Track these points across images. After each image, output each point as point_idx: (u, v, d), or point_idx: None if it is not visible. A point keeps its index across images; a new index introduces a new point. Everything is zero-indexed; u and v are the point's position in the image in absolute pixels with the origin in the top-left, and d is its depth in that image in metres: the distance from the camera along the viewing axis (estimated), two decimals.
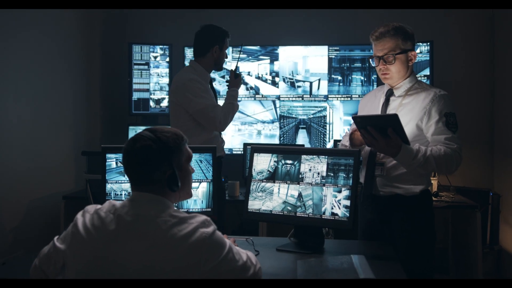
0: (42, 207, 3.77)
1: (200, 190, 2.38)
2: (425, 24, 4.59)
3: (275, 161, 2.37)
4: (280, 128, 4.60)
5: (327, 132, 4.53)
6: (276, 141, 4.58)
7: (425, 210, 2.45)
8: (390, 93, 2.53)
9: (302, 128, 4.60)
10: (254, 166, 2.41)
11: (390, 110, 2.47)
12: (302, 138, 4.58)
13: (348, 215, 2.18)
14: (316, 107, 4.56)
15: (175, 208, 1.62)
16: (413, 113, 2.40)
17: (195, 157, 2.40)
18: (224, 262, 1.58)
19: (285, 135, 4.60)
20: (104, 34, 4.69)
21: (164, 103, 4.68)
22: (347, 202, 2.20)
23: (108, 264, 1.51)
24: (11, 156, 3.44)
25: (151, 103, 4.67)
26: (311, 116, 4.57)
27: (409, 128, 2.37)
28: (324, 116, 4.55)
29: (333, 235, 3.43)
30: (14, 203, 3.50)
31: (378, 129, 2.19)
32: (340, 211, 2.20)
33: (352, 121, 2.43)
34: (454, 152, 2.29)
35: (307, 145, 4.51)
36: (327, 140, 4.52)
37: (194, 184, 2.37)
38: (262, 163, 2.39)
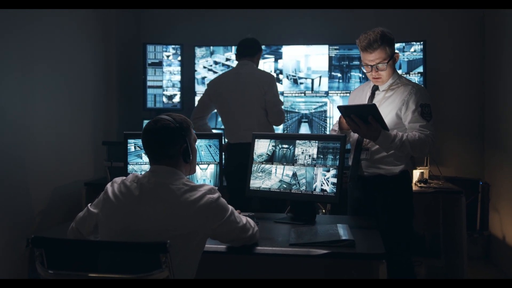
0: (65, 193, 4.09)
1: (208, 171, 2.74)
2: (418, 24, 4.87)
3: (273, 146, 2.74)
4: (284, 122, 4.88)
5: (328, 125, 4.84)
6: None
7: (404, 188, 2.82)
8: (375, 88, 2.89)
9: (304, 121, 4.88)
10: (255, 150, 2.78)
11: (375, 102, 2.81)
12: (304, 131, 4.86)
13: (335, 191, 2.54)
14: (317, 102, 4.84)
15: (187, 179, 1.97)
16: (394, 104, 2.76)
17: (205, 142, 2.76)
18: (227, 222, 1.94)
19: (288, 129, 4.89)
20: (121, 36, 5.01)
21: (176, 99, 5.02)
22: (334, 180, 2.56)
23: (134, 222, 1.86)
24: (39, 148, 3.75)
25: (164, 99, 5.00)
26: (313, 110, 4.85)
27: (390, 117, 2.73)
28: (325, 111, 4.84)
29: (328, 213, 3.78)
30: (41, 189, 3.81)
31: (361, 117, 2.54)
32: (329, 188, 2.57)
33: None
34: (427, 137, 2.63)
35: None
36: (327, 133, 4.82)
37: (203, 166, 2.74)
38: (262, 147, 2.76)
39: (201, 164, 2.73)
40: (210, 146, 2.76)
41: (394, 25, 4.58)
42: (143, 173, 2.70)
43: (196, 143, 2.69)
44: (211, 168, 2.75)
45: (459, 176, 4.68)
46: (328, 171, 2.59)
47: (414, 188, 3.95)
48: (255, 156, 2.78)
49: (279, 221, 2.60)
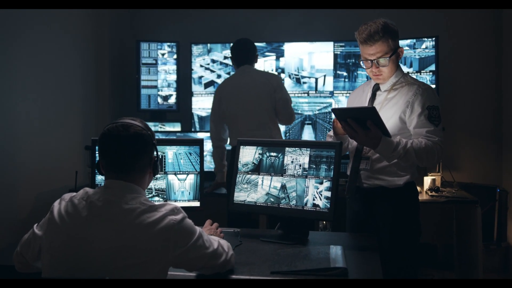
0: (49, 200, 3.84)
1: (187, 182, 2.44)
2: (430, 18, 4.57)
3: (259, 154, 2.42)
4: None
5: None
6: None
7: (409, 203, 2.47)
8: (376, 88, 2.56)
9: (308, 124, 4.62)
10: (240, 158, 2.45)
11: (376, 104, 2.49)
12: (307, 134, 4.60)
13: (329, 206, 2.21)
14: (322, 103, 4.57)
15: (146, 198, 1.67)
16: (397, 106, 2.43)
17: (184, 149, 2.46)
18: (193, 248, 1.64)
19: (290, 131, 4.62)
20: (113, 32, 4.77)
21: (172, 100, 4.75)
22: (328, 194, 2.22)
23: (80, 248, 1.57)
24: (23, 151, 3.54)
25: (159, 100, 4.74)
26: (317, 112, 4.58)
27: (393, 121, 2.41)
28: (330, 112, 4.56)
29: (331, 228, 3.46)
30: (23, 195, 3.60)
31: (358, 121, 2.22)
32: (321, 202, 2.23)
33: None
34: (435, 144, 2.30)
35: None
36: None
37: (181, 176, 2.44)
38: (247, 155, 2.44)
39: (179, 174, 2.43)
40: (190, 153, 2.45)
41: (404, 19, 4.31)
42: None
43: (175, 151, 2.43)
44: (191, 178, 2.44)
45: (475, 183, 4.39)
46: (321, 183, 2.26)
47: (425, 197, 3.66)
48: (239, 165, 2.45)
49: (266, 240, 2.28)
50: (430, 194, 3.70)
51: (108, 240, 1.56)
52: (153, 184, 2.42)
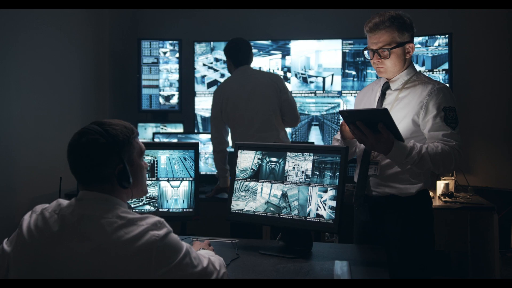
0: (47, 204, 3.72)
1: (181, 189, 2.26)
2: (443, 15, 4.37)
3: (259, 159, 2.22)
4: None
5: None
6: None
7: (421, 213, 2.26)
8: (386, 87, 2.36)
9: (315, 125, 4.44)
10: (237, 164, 2.26)
11: (386, 105, 2.29)
12: (314, 136, 4.42)
13: (333, 217, 2.01)
14: (330, 103, 4.39)
15: (125, 209, 1.49)
16: (410, 107, 2.23)
17: (179, 154, 2.28)
18: (179, 267, 1.45)
19: (297, 133, 4.44)
20: (113, 31, 4.62)
21: (174, 100, 4.58)
22: (333, 203, 2.03)
23: (50, 268, 1.40)
24: (19, 154, 3.43)
25: (161, 100, 4.58)
26: (324, 112, 4.41)
27: (405, 123, 2.21)
28: (338, 113, 4.37)
29: (337, 238, 3.27)
30: (20, 199, 3.49)
31: (368, 124, 2.02)
32: (326, 213, 2.03)
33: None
34: (453, 149, 2.10)
35: (320, 143, 4.35)
36: None
37: (175, 183, 2.26)
38: (246, 160, 2.24)
39: (173, 180, 2.25)
40: (185, 158, 2.27)
41: (416, 15, 4.07)
42: None
43: (169, 155, 2.25)
44: (185, 185, 2.26)
45: (490, 187, 4.18)
46: (326, 191, 2.06)
47: (438, 202, 3.46)
48: (237, 171, 2.25)
49: (265, 253, 2.09)
50: (443, 200, 3.50)
51: (81, 259, 1.38)
52: None
